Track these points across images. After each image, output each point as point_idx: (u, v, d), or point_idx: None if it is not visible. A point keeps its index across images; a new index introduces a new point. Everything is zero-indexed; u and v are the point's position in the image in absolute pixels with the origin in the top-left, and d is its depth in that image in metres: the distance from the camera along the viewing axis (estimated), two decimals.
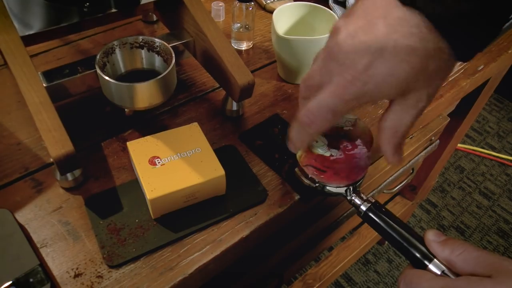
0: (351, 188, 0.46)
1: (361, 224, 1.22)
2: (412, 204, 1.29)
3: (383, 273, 1.43)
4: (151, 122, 0.58)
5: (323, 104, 0.35)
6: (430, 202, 1.64)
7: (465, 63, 0.70)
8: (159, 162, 0.47)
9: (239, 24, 0.68)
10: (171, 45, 0.54)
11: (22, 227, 0.46)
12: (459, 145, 1.84)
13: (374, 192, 0.78)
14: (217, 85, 0.63)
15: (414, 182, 1.20)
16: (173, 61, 0.50)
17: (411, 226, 1.56)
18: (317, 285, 1.09)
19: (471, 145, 1.86)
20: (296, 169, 0.49)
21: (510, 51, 0.73)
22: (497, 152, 1.83)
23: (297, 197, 0.51)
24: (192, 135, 0.51)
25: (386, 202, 1.25)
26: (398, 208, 1.27)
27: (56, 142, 0.44)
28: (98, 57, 0.49)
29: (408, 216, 1.45)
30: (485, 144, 1.87)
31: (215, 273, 0.48)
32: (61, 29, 0.55)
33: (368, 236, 1.20)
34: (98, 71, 0.48)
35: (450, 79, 0.67)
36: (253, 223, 0.48)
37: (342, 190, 0.46)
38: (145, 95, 0.49)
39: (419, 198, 1.31)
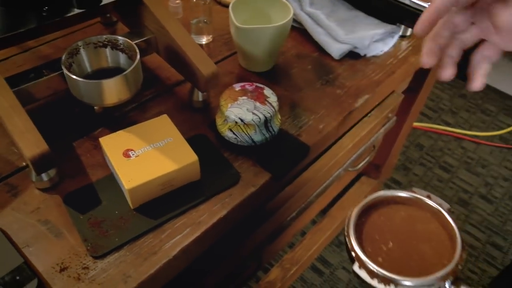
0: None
1: (331, 205, 1.26)
2: (377, 183, 1.35)
3: None
4: (120, 119, 0.59)
5: None
6: (395, 181, 1.72)
7: (413, 41, 0.75)
8: (133, 154, 0.49)
9: (197, 19, 0.70)
10: (134, 42, 0.55)
11: (2, 230, 0.47)
12: (417, 123, 1.93)
13: (340, 170, 0.83)
14: (182, 78, 0.65)
15: (377, 160, 1.26)
16: (138, 56, 0.52)
17: None
18: (294, 269, 1.13)
19: (428, 122, 1.95)
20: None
21: None
22: (452, 127, 1.94)
23: (268, 176, 0.54)
24: (162, 126, 0.53)
25: (353, 182, 1.30)
26: (365, 188, 1.32)
27: (30, 143, 0.45)
28: (63, 58, 0.50)
29: None
30: (441, 121, 1.97)
31: (197, 254, 0.50)
32: (19, 35, 0.55)
33: (338, 218, 1.25)
34: (65, 71, 0.49)
35: (400, 57, 0.71)
36: (229, 204, 0.51)
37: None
38: (113, 91, 0.50)
39: (384, 176, 1.37)
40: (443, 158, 1.82)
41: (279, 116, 0.57)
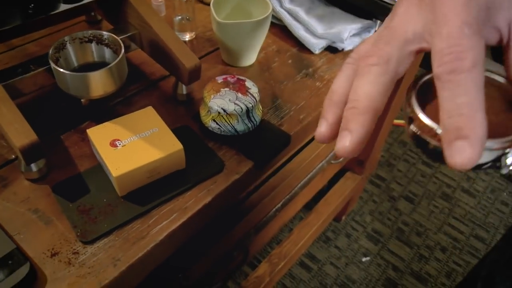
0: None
1: (317, 201, 1.29)
2: (362, 179, 1.38)
3: (343, 247, 1.51)
4: (107, 113, 0.61)
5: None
6: (379, 177, 1.75)
7: None
8: (120, 144, 0.51)
9: (180, 17, 0.72)
10: (118, 37, 0.57)
11: None
12: (400, 121, 1.97)
13: (322, 162, 0.85)
14: (166, 73, 0.67)
15: (361, 156, 1.29)
16: (122, 50, 0.54)
17: (364, 200, 1.66)
18: (282, 263, 1.15)
19: None
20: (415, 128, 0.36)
21: None
22: None
23: (251, 164, 0.56)
24: (148, 117, 0.55)
25: (338, 178, 1.33)
26: (349, 183, 1.35)
27: (19, 133, 0.47)
28: (50, 52, 0.52)
29: (360, 191, 1.54)
30: None
31: (184, 239, 0.52)
32: (5, 32, 0.56)
33: (324, 213, 1.28)
34: (53, 65, 0.51)
35: None
36: (214, 190, 0.53)
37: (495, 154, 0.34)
38: (99, 83, 0.52)
39: (368, 172, 1.40)
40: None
41: (261, 107, 0.59)
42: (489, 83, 0.36)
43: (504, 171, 0.33)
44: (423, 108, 0.35)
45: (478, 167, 0.33)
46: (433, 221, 1.62)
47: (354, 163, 1.32)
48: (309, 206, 1.30)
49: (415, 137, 0.34)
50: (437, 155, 0.34)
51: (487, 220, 1.64)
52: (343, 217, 1.57)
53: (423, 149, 0.35)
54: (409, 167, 1.80)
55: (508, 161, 0.32)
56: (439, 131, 0.32)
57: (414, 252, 1.52)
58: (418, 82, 0.36)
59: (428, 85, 0.37)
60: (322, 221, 1.27)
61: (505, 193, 1.73)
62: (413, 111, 0.35)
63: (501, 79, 0.37)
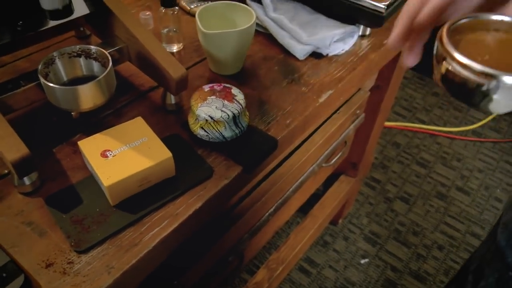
0: None
1: (312, 205, 1.30)
2: (356, 181, 1.39)
3: (341, 250, 1.52)
4: (97, 125, 0.62)
5: None
6: (374, 179, 1.77)
7: (372, 39, 0.80)
8: (110, 154, 0.52)
9: (167, 29, 0.74)
10: (107, 51, 0.59)
11: None
12: (392, 123, 1.99)
13: (314, 166, 0.87)
14: (155, 84, 0.68)
15: (353, 159, 1.30)
16: (110, 63, 0.55)
17: (360, 203, 1.67)
18: (280, 269, 1.16)
19: (403, 121, 2.01)
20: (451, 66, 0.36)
21: None
22: (426, 125, 2.00)
23: (240, 168, 0.57)
24: (137, 127, 0.56)
25: (332, 181, 1.34)
26: (344, 186, 1.36)
27: (11, 147, 0.48)
28: (40, 67, 0.54)
29: (355, 193, 1.55)
30: (415, 119, 2.03)
31: (176, 245, 0.53)
32: None
33: (320, 216, 1.29)
34: (42, 80, 0.52)
35: (360, 54, 0.76)
36: (204, 196, 0.54)
37: None
38: (88, 96, 0.54)
39: (361, 174, 1.41)
40: (419, 155, 1.88)
41: (247, 113, 0.61)
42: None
43: None
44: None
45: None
46: (429, 220, 1.63)
47: (348, 166, 1.33)
48: (305, 211, 1.31)
49: (447, 76, 0.35)
50: (467, 94, 0.34)
51: (482, 217, 1.65)
52: (340, 220, 1.58)
53: (452, 89, 0.36)
54: (404, 168, 1.81)
55: None
56: (476, 66, 0.33)
57: (412, 251, 1.53)
58: (449, 27, 0.37)
59: (456, 31, 0.38)
60: (318, 225, 1.28)
61: (498, 190, 1.75)
62: (447, 51, 0.35)
63: None
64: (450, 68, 0.35)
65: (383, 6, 0.73)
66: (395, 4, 0.77)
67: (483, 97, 0.34)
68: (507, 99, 0.34)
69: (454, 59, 0.35)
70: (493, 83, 0.33)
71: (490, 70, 0.33)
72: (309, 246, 1.41)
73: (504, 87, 0.33)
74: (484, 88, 0.34)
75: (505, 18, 0.38)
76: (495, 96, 0.34)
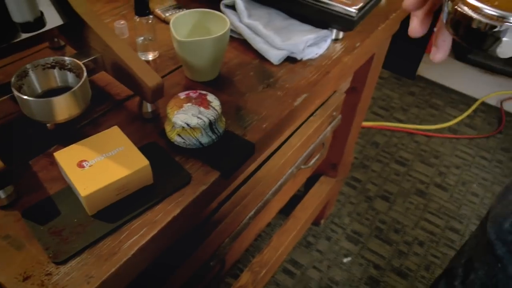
0: None
1: (295, 204, 1.31)
2: (336, 181, 1.42)
3: (324, 250, 1.54)
4: (74, 136, 0.62)
5: None
6: (355, 179, 1.79)
7: (345, 43, 0.82)
8: (87, 164, 0.52)
9: (142, 37, 0.74)
10: (81, 62, 0.59)
11: None
12: (370, 123, 2.02)
13: (292, 168, 0.88)
14: (131, 93, 0.68)
15: (333, 160, 1.32)
16: (85, 73, 0.56)
17: (342, 202, 1.69)
18: (264, 271, 1.17)
19: (381, 121, 2.05)
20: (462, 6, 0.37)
21: (379, 28, 0.86)
22: (404, 124, 2.04)
23: (217, 174, 0.58)
24: (114, 137, 0.56)
25: (313, 183, 1.36)
26: (324, 187, 1.38)
27: None
28: (13, 80, 0.53)
29: (336, 194, 1.57)
30: (393, 118, 2.07)
31: (156, 253, 0.54)
32: None
33: (302, 217, 1.30)
34: (16, 92, 0.52)
35: (334, 58, 0.78)
36: (182, 202, 0.54)
37: None
38: (63, 107, 0.54)
39: (341, 174, 1.43)
40: (398, 153, 1.92)
41: (224, 119, 0.62)
42: None
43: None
44: None
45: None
46: (410, 217, 1.66)
47: (327, 166, 1.35)
48: (287, 212, 1.32)
49: (458, 21, 0.37)
50: (478, 37, 0.37)
51: (460, 212, 1.69)
52: (322, 221, 1.60)
53: (463, 33, 0.38)
54: (383, 167, 1.85)
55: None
56: (484, 8, 0.35)
57: (394, 249, 1.55)
58: None
59: None
60: (300, 226, 1.29)
61: (475, 185, 1.79)
62: None
63: None
64: (461, 11, 0.37)
65: (354, 11, 0.74)
66: (366, 8, 0.79)
67: (494, 40, 0.36)
68: None
69: (466, 2, 0.37)
70: (504, 25, 0.35)
71: (501, 12, 0.35)
72: (292, 247, 1.42)
73: None
74: (495, 29, 0.35)
75: None
76: (505, 39, 0.35)
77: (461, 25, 0.38)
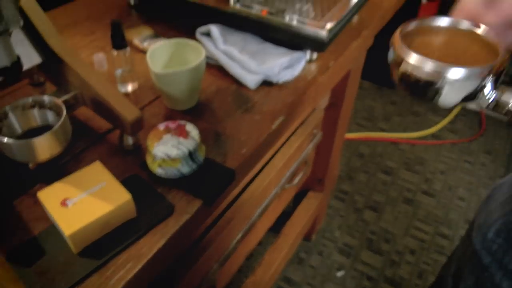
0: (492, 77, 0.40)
1: (283, 224, 1.32)
2: (324, 195, 1.43)
3: (317, 265, 1.55)
4: (56, 173, 0.63)
5: None
6: (342, 191, 1.81)
7: (319, 63, 0.84)
8: (70, 202, 0.53)
9: (121, 69, 0.75)
10: (61, 99, 0.60)
11: None
12: (355, 134, 2.05)
13: (276, 189, 0.89)
14: (112, 126, 0.69)
15: (319, 175, 1.34)
16: (64, 112, 0.57)
17: (331, 216, 1.70)
18: None
19: (364, 132, 2.08)
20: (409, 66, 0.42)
21: (352, 45, 0.89)
22: (387, 133, 2.08)
23: (200, 202, 0.59)
24: (95, 172, 0.57)
25: (301, 198, 1.37)
26: (313, 201, 1.40)
27: None
28: None
29: (324, 208, 1.59)
30: (377, 128, 2.10)
31: (144, 285, 0.54)
32: None
33: (292, 234, 1.31)
34: None
35: (309, 78, 0.80)
36: (167, 233, 0.55)
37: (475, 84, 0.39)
38: (44, 147, 0.55)
39: (328, 188, 1.45)
40: (383, 163, 1.94)
41: (203, 147, 0.63)
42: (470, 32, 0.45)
43: (484, 103, 0.40)
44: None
45: (465, 99, 0.40)
46: (399, 226, 1.68)
47: (314, 182, 1.36)
48: (277, 230, 1.33)
49: (406, 76, 0.41)
50: (426, 90, 0.40)
51: (448, 217, 1.71)
52: (313, 236, 1.61)
53: (411, 87, 0.42)
54: (369, 177, 1.87)
55: (486, 90, 0.39)
56: (425, 64, 0.39)
57: (385, 259, 1.57)
58: (401, 32, 0.45)
59: (408, 35, 0.46)
60: (291, 243, 1.30)
61: (461, 188, 1.82)
62: (404, 52, 0.41)
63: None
64: (404, 70, 0.41)
65: (325, 33, 0.77)
66: (336, 28, 0.81)
67: (435, 93, 0.40)
68: (455, 92, 0.39)
69: (407, 63, 0.42)
70: (442, 80, 0.39)
71: (438, 68, 0.39)
72: (284, 265, 1.42)
73: (449, 81, 0.38)
74: (435, 85, 0.40)
75: (446, 20, 0.46)
76: (444, 91, 0.40)
77: (404, 80, 0.43)
